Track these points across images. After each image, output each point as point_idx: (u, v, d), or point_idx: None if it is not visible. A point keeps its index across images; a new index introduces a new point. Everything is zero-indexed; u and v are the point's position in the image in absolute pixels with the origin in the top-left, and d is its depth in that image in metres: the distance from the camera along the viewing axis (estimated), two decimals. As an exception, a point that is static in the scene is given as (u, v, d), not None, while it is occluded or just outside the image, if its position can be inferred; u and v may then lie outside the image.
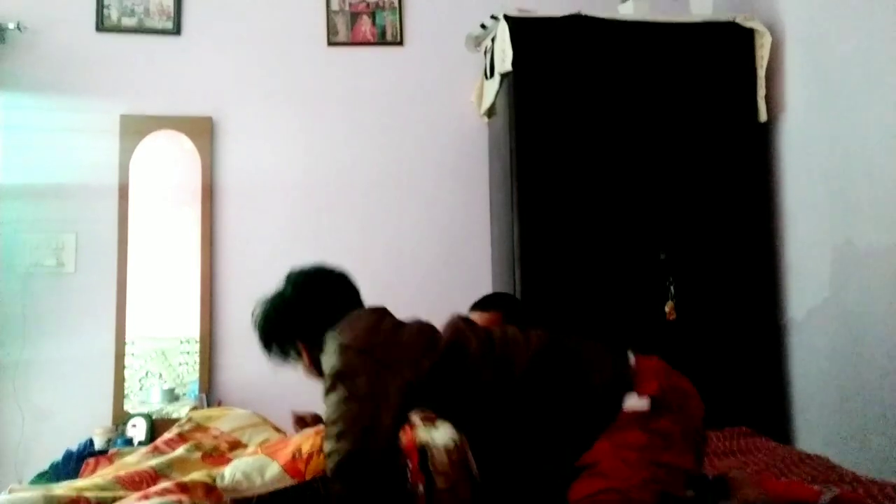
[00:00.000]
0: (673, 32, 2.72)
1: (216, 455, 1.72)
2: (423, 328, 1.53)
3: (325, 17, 3.15)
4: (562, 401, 1.45)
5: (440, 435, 1.54)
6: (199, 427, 1.87)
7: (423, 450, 1.51)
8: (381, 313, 1.59)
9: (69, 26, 3.00)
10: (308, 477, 1.47)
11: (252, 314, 1.71)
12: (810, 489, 1.54)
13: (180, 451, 1.71)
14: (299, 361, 1.66)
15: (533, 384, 1.45)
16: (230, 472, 1.51)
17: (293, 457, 1.53)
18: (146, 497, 1.33)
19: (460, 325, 1.54)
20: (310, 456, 1.49)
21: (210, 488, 1.46)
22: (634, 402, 1.41)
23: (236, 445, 1.82)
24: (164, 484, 1.42)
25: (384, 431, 1.40)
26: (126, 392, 2.87)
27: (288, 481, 1.51)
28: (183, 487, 1.40)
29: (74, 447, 2.43)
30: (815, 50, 2.57)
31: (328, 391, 1.44)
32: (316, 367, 1.58)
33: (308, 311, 1.62)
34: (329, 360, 1.46)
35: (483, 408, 1.46)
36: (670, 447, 1.38)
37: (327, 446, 1.41)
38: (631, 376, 1.45)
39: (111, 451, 2.39)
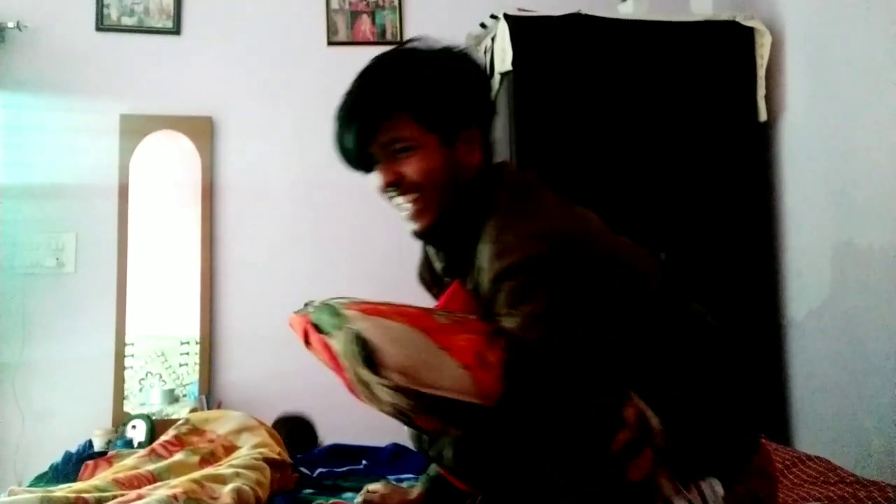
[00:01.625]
0: (673, 31, 2.71)
1: (213, 459, 1.72)
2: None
3: (325, 17, 3.14)
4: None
5: None
6: (196, 430, 1.87)
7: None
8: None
9: (69, 25, 3.00)
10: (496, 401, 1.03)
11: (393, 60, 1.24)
12: None
13: (179, 456, 1.71)
14: (423, 159, 1.23)
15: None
16: (392, 348, 1.06)
17: (478, 359, 1.05)
18: (140, 497, 1.33)
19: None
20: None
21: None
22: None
23: (231, 449, 1.82)
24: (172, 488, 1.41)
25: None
26: (126, 393, 2.87)
27: (472, 396, 1.03)
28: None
29: (74, 448, 2.42)
30: (816, 49, 2.56)
31: (523, 290, 1.11)
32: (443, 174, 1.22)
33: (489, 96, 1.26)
34: (522, 246, 1.13)
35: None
36: None
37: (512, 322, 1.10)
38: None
39: (110, 452, 2.39)
